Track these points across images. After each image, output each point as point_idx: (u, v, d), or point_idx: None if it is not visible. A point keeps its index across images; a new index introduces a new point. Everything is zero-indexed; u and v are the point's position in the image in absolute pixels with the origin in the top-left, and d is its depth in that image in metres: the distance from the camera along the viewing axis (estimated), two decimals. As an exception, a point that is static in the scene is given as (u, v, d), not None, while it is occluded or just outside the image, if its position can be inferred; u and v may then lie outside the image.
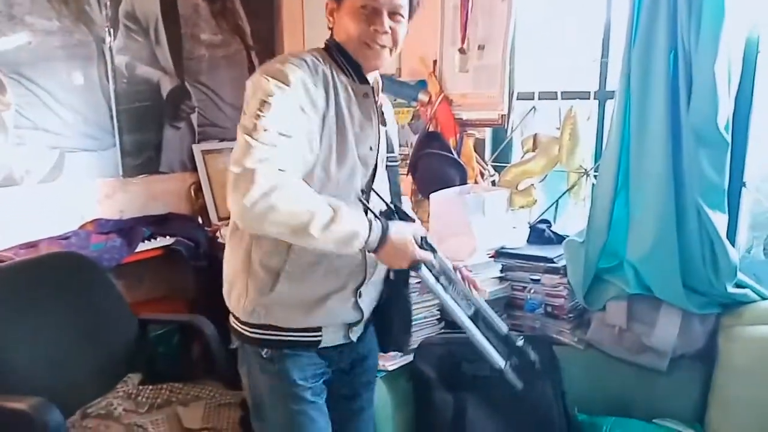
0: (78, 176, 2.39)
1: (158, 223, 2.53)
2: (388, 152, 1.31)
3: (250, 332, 1.23)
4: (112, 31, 2.43)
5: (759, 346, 1.53)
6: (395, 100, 2.39)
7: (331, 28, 1.23)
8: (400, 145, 2.45)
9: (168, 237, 2.45)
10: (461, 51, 2.13)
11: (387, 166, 1.30)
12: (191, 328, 2.02)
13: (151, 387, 1.83)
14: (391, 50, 1.20)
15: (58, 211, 2.33)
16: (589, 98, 1.96)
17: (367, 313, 1.28)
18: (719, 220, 1.56)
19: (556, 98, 2.03)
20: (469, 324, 1.20)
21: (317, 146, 1.12)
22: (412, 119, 2.43)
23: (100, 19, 2.40)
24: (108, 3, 2.41)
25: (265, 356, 1.23)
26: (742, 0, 1.49)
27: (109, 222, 2.41)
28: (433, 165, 2.18)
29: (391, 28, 1.17)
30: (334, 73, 1.18)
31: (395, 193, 1.34)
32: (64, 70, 2.31)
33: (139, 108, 2.55)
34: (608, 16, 1.93)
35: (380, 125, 1.26)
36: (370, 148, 1.22)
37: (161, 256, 2.42)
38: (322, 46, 1.24)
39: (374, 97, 1.24)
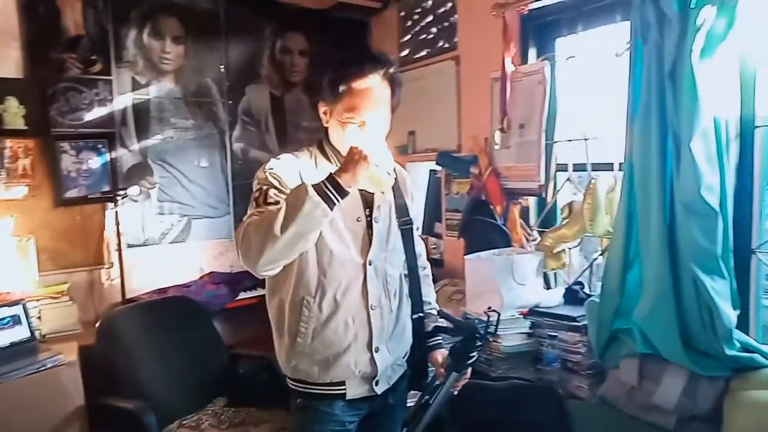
0: (200, 237, 3.04)
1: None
2: (399, 218, 1.48)
3: (290, 383, 1.43)
4: (232, 124, 3.11)
5: (760, 411, 1.55)
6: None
7: (325, 127, 1.45)
8: (459, 211, 2.76)
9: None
10: (502, 130, 2.41)
11: (402, 229, 1.47)
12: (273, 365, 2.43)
13: (233, 409, 2.27)
14: None
15: (184, 264, 2.98)
16: (612, 169, 2.11)
17: (383, 368, 1.39)
18: (716, 285, 1.63)
19: (586, 170, 2.21)
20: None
21: None
22: (470, 189, 2.73)
23: (224, 116, 3.09)
24: (230, 104, 3.09)
25: (297, 404, 1.42)
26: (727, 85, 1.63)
27: (221, 274, 3.00)
28: (480, 230, 2.45)
29: None
30: (317, 161, 1.44)
31: (410, 252, 1.50)
32: (195, 156, 3.02)
33: (250, 183, 3.14)
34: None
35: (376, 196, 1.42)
36: (357, 219, 1.39)
37: (258, 304, 2.92)
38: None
39: None
